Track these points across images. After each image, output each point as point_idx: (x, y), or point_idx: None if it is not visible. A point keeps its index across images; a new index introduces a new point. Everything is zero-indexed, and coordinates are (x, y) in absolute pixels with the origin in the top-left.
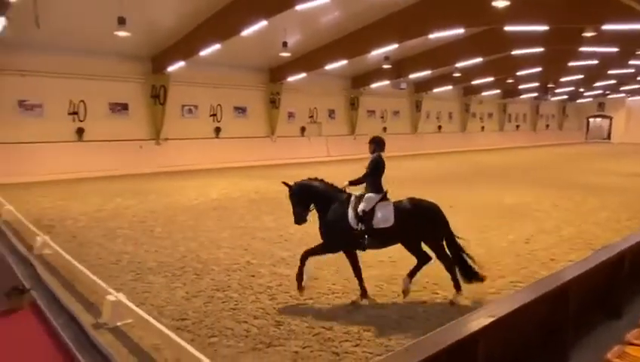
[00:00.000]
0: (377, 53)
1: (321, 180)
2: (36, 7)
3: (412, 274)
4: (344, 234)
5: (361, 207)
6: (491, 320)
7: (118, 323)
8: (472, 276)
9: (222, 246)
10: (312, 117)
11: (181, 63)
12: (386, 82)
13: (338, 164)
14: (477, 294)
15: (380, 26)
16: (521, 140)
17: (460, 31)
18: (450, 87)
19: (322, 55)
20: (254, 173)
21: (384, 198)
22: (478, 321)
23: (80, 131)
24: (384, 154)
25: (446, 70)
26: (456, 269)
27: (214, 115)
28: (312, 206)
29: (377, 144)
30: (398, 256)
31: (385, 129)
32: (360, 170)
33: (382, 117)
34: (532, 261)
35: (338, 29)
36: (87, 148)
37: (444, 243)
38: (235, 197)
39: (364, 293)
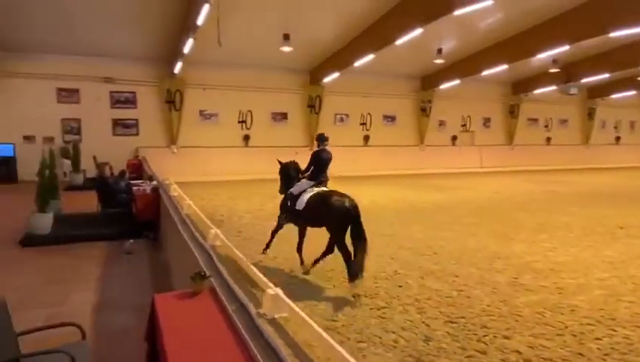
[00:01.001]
0: (544, 55)
1: (295, 165)
2: (219, 28)
3: (316, 261)
4: (285, 212)
5: (292, 189)
6: None
7: (276, 316)
8: (355, 276)
9: (369, 252)
10: (464, 125)
11: (336, 74)
12: (553, 87)
13: (492, 175)
14: None
15: (548, 27)
16: None
17: None
18: (633, 93)
19: (479, 60)
20: (402, 182)
21: (317, 186)
22: None
23: (246, 138)
24: (329, 148)
25: (628, 73)
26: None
27: (364, 123)
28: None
29: (320, 140)
30: (564, 283)
31: (549, 139)
32: (516, 183)
33: (546, 126)
34: None
35: (499, 32)
36: (251, 153)
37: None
38: (383, 204)
39: (302, 262)
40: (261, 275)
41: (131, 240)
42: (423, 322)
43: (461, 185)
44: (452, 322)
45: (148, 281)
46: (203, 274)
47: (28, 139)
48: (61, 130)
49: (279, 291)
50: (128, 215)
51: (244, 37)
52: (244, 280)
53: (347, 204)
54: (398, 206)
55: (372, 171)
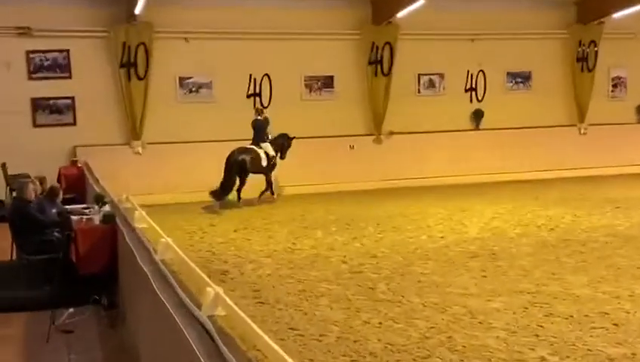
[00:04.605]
0: None
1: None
2: None
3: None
4: None
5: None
6: None
7: None
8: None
9: (492, 325)
10: None
11: (419, 3)
12: None
13: None
14: None
15: None
16: None
17: None
18: None
19: None
20: (544, 192)
21: (256, 147)
22: None
23: None
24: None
25: None
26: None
27: (472, 88)
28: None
29: (257, 111)
30: None
31: None
32: None
33: None
34: None
35: None
36: None
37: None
38: (511, 235)
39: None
40: None
41: (71, 309)
42: None
43: None
44: None
45: None
46: None
47: None
48: None
49: None
50: (64, 265)
51: None
52: None
53: (237, 156)
54: (540, 235)
55: (488, 173)
